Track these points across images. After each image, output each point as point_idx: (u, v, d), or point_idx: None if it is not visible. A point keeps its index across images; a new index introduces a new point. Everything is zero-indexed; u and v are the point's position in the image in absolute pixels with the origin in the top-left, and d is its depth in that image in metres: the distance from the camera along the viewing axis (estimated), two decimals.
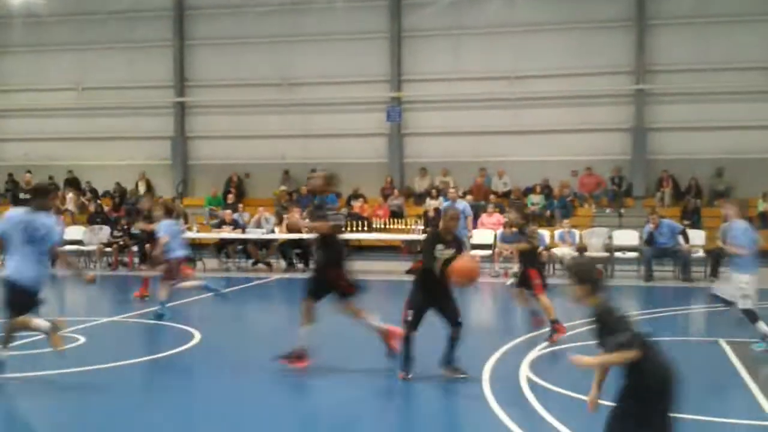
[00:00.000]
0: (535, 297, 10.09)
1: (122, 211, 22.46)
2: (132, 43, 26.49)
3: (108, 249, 19.34)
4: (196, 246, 20.66)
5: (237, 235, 19.03)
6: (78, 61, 27.00)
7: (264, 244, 19.24)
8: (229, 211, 20.13)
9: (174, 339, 10.51)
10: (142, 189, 25.42)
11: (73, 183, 26.09)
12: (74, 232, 20.37)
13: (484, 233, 18.91)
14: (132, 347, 10.29)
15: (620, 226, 20.14)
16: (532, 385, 7.83)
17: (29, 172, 19.79)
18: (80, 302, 15.92)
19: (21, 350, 9.82)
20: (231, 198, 22.68)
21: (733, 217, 9.89)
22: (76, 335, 10.37)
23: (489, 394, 7.56)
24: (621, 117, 23.69)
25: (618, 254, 17.91)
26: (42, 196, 8.12)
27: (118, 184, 25.37)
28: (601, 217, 22.07)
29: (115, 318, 12.32)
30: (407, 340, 8.12)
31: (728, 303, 10.22)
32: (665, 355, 4.65)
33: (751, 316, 9.47)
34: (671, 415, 4.52)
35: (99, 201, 24.33)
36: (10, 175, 27.03)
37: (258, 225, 19.30)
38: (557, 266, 17.39)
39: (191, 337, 10.44)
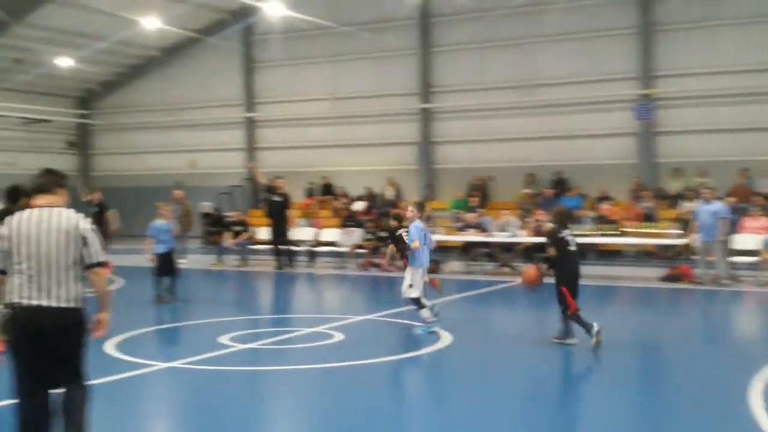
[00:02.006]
0: None
1: (373, 214, 23.40)
2: (379, 52, 27.54)
3: (361, 250, 20.22)
4: (442, 249, 21.08)
5: (481, 238, 19.11)
6: (330, 72, 28.56)
7: (508, 248, 19.17)
8: (473, 215, 20.30)
9: (425, 339, 10.74)
10: (390, 193, 26.31)
11: (327, 188, 27.60)
12: (329, 234, 21.63)
13: (747, 238, 17.47)
14: (386, 345, 10.65)
15: None
16: None
17: (280, 178, 21.26)
18: (337, 301, 16.83)
19: (279, 345, 10.55)
20: (475, 201, 22.85)
21: None
22: (334, 332, 10.94)
23: (758, 413, 6.96)
24: None
25: None
26: None
27: (367, 188, 26.51)
28: None
29: (369, 316, 12.83)
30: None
31: None
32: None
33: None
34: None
35: (351, 205, 25.56)
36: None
37: (502, 228, 19.25)
38: None
39: (439, 337, 10.62)
